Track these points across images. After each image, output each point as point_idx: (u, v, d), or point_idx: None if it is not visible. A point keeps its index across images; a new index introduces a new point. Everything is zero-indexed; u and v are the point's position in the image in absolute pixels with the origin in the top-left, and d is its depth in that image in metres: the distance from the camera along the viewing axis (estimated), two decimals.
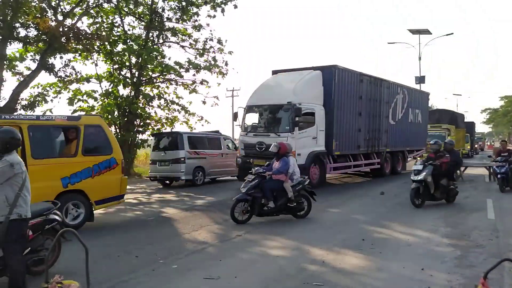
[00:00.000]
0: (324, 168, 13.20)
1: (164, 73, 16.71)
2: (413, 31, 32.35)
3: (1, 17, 12.71)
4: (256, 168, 8.42)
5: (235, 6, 17.29)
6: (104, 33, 15.30)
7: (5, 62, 13.56)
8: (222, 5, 17.05)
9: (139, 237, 6.78)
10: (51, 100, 15.19)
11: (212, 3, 16.99)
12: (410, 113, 18.41)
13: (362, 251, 5.85)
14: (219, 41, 17.49)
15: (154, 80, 17.62)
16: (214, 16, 17.20)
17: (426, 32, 32.45)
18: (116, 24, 16.60)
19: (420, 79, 33.40)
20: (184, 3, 16.57)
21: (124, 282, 4.64)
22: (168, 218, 8.40)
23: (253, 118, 13.23)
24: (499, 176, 11.81)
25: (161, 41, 17.51)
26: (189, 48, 17.70)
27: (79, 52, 15.12)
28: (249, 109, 13.27)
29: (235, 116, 13.58)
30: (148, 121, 17.51)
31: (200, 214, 8.89)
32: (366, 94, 14.85)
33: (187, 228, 7.46)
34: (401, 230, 7.23)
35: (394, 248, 6.06)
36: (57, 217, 4.78)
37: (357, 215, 8.52)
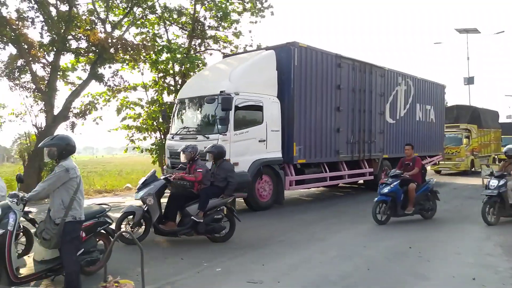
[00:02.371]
0: (281, 183, 9.83)
1: None
2: (461, 31, 31.01)
3: (55, 31, 13.54)
4: None
5: (272, 13, 17.48)
6: (150, 43, 15.88)
7: (58, 72, 14.41)
8: (261, 12, 17.26)
9: (184, 240, 6.92)
10: (101, 108, 15.95)
11: (252, 10, 17.23)
12: (417, 109, 14.81)
13: (409, 259, 5.67)
14: (258, 47, 17.63)
15: None
16: (256, 22, 17.42)
17: (475, 31, 31.01)
18: (160, 34, 17.18)
19: (469, 80, 31.96)
20: (221, 12, 16.87)
21: (170, 284, 4.78)
22: None
23: (184, 117, 10.23)
24: (375, 199, 8.04)
25: (203, 48, 17.92)
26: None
27: (127, 62, 15.78)
28: (179, 104, 10.29)
29: (163, 115, 11.09)
30: None
31: (242, 217, 8.94)
32: (348, 83, 11.59)
33: None
34: (450, 238, 6.94)
35: (443, 257, 5.82)
36: (108, 220, 5.03)
37: (402, 222, 8.24)
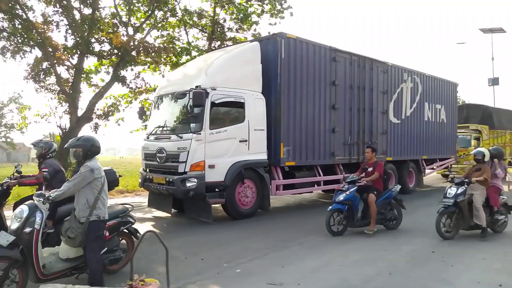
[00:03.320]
0: (267, 187, 9.02)
1: None
2: (485, 30, 30.25)
3: (79, 34, 13.87)
4: None
5: (291, 14, 17.48)
6: (170, 46, 16.09)
7: (82, 75, 14.76)
8: (280, 13, 17.27)
9: (204, 240, 7.00)
10: (123, 110, 16.26)
11: (271, 12, 17.25)
12: (426, 108, 13.82)
13: (432, 264, 5.56)
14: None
15: None
16: (275, 24, 17.44)
17: (500, 30, 30.19)
18: (181, 37, 17.38)
19: (494, 81, 31.14)
20: (242, 14, 16.94)
21: (191, 284, 4.81)
22: (231, 223, 8.56)
23: (160, 114, 9.29)
24: (329, 208, 7.28)
25: None
26: None
27: (148, 64, 16.02)
28: (155, 101, 9.56)
29: (141, 113, 10.24)
30: None
31: (261, 219, 8.95)
32: (345, 79, 10.71)
33: (250, 233, 7.56)
34: (475, 243, 6.76)
35: (468, 262, 5.68)
36: (131, 220, 5.11)
37: (426, 225, 8.07)
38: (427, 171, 14.25)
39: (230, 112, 8.75)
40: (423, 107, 13.72)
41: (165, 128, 8.84)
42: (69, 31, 14.17)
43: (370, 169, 7.58)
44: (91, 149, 4.33)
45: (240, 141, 8.51)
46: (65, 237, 4.39)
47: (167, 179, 8.16)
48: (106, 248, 4.65)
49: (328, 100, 10.29)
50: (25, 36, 13.49)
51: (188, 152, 7.92)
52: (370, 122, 11.53)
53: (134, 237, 5.24)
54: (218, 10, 17.06)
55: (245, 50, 9.29)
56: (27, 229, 4.12)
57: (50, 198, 4.25)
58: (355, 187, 7.24)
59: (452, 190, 6.96)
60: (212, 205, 8.57)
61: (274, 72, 9.13)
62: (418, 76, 13.49)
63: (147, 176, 8.78)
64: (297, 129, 9.52)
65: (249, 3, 16.92)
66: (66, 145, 4.47)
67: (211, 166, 8.02)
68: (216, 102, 8.21)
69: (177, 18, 16.93)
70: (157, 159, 8.50)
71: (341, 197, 7.16)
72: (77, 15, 14.27)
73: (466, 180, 7.03)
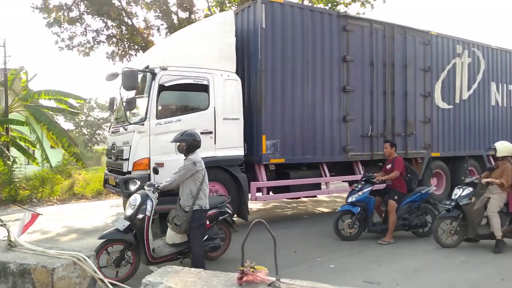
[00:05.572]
0: (243, 191, 7.15)
1: None
2: None
3: None
4: None
5: (384, 1, 16.58)
6: None
7: None
8: (372, 0, 16.50)
9: (295, 233, 7.06)
10: None
11: (361, 1, 16.59)
12: (493, 90, 10.85)
13: None
14: None
15: None
16: (364, 14, 16.76)
17: None
18: None
19: None
20: (329, 4, 16.57)
21: (285, 275, 4.84)
22: (321, 216, 8.51)
23: (121, 104, 7.40)
24: (338, 209, 6.70)
25: None
26: None
27: None
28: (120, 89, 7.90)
29: (111, 105, 8.33)
30: None
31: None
32: (363, 53, 8.46)
33: None
34: None
35: None
36: (228, 210, 5.36)
37: None
38: None
39: (188, 96, 7.13)
40: (489, 89, 10.81)
41: (119, 120, 7.46)
42: (169, 34, 15.24)
43: (388, 166, 6.59)
44: (193, 143, 4.63)
45: (201, 133, 6.31)
46: (171, 224, 4.78)
47: (116, 180, 6.78)
48: (207, 235, 4.95)
49: (336, 81, 8.12)
50: (131, 40, 14.85)
51: (130, 147, 6.45)
52: (403, 108, 9.08)
53: (231, 227, 5.50)
54: (306, 2, 16.93)
55: (212, 22, 7.71)
56: (140, 216, 4.57)
57: (159, 188, 4.65)
58: (370, 187, 6.48)
59: (457, 192, 5.99)
60: None
61: (254, 48, 7.39)
62: (479, 48, 10.59)
63: (105, 176, 7.43)
64: (288, 118, 7.56)
65: None
66: (171, 140, 4.83)
67: (159, 165, 6.08)
68: (167, 84, 6.58)
69: None
70: (112, 156, 7.18)
71: (353, 198, 6.46)
72: (175, 19, 15.29)
73: (476, 180, 5.97)
